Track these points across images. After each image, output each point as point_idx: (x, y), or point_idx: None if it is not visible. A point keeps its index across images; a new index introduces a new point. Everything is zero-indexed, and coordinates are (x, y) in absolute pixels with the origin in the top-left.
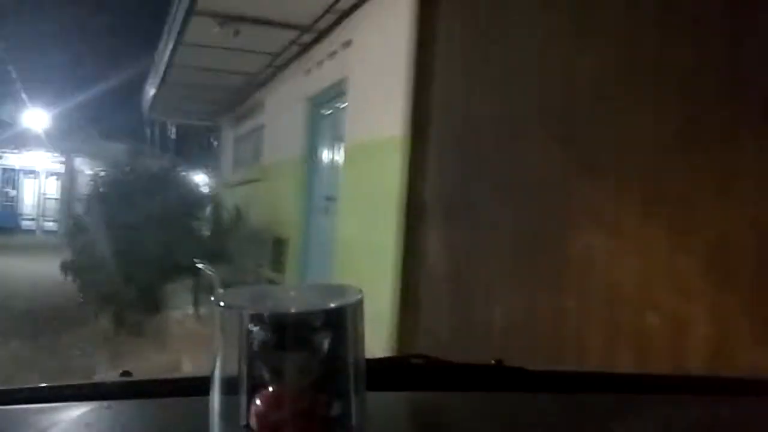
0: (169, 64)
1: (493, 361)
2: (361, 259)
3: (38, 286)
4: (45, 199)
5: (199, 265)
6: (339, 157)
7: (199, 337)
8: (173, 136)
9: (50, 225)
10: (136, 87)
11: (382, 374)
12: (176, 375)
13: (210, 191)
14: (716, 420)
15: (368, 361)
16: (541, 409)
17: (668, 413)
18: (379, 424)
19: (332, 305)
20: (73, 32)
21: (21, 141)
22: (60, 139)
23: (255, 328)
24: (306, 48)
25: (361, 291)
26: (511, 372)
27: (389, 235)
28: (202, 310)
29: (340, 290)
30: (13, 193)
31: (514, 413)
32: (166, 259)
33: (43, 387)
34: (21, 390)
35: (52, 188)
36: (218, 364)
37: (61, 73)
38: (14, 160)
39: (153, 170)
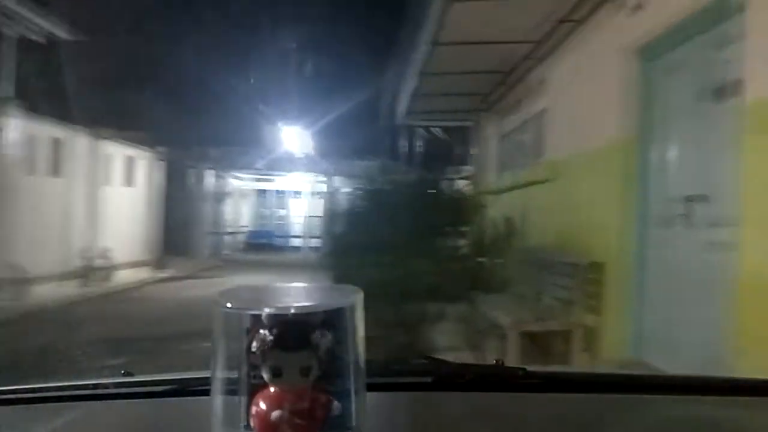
0: (435, 41)
1: (493, 361)
2: None
3: None
4: (309, 217)
5: (473, 297)
6: (716, 127)
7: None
8: (420, 149)
9: (315, 242)
10: (387, 104)
11: (382, 374)
12: (176, 375)
13: (471, 201)
14: (716, 420)
15: (368, 361)
16: (541, 409)
17: (668, 413)
18: (379, 424)
19: (332, 305)
20: (326, 56)
21: (289, 165)
22: (321, 161)
23: (255, 328)
24: None
25: (360, 291)
26: (511, 372)
27: None
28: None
29: (340, 290)
30: (282, 213)
31: (514, 413)
32: (429, 289)
33: (43, 387)
34: (21, 390)
35: (316, 207)
36: (218, 364)
37: (319, 98)
38: (283, 182)
39: (403, 184)
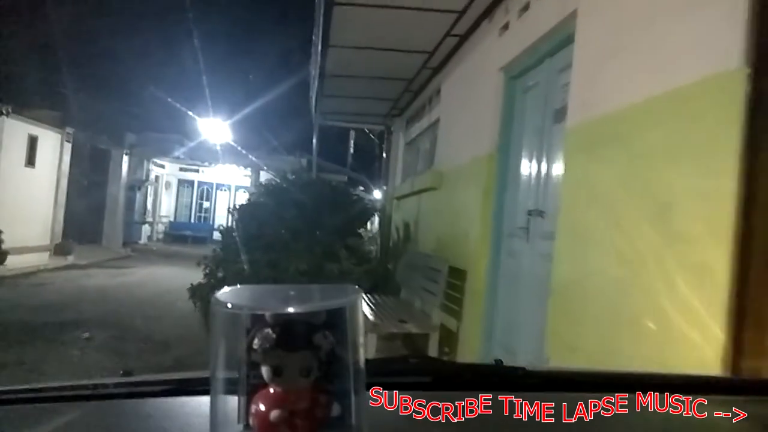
0: (325, 43)
1: (493, 361)
2: (609, 313)
3: (172, 303)
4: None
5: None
6: (553, 147)
7: None
8: (351, 149)
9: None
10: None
11: (382, 374)
12: (176, 375)
13: (375, 205)
14: (716, 420)
15: (368, 361)
16: (541, 409)
17: (668, 413)
18: (379, 424)
19: (332, 305)
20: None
21: (215, 156)
22: (248, 155)
23: (255, 328)
24: None
25: (360, 291)
26: (511, 372)
27: (710, 281)
28: None
29: (340, 290)
30: (207, 205)
31: (514, 413)
32: (316, 282)
33: (43, 387)
34: (21, 390)
35: (242, 201)
36: (218, 364)
37: (245, 91)
38: (210, 174)
39: (309, 181)
